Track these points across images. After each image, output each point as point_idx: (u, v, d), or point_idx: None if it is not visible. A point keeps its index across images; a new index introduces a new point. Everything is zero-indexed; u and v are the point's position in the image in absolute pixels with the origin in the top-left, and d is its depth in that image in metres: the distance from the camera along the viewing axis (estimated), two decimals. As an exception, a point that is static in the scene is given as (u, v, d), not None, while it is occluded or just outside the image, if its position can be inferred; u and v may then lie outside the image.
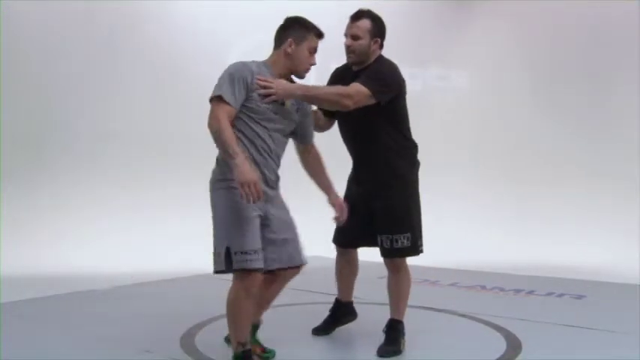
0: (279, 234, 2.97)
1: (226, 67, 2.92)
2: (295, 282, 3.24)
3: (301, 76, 3.03)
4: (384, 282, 3.41)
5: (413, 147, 3.35)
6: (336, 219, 3.21)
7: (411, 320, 3.41)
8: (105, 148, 7.32)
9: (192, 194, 7.40)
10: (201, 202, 7.00)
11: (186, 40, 7.73)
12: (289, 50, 2.94)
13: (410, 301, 3.38)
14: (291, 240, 3.02)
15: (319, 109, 3.31)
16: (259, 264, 2.81)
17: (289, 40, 2.94)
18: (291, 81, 3.02)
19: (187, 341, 3.53)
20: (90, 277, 5.58)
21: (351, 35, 3.20)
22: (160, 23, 7.67)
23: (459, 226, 7.32)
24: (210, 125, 2.86)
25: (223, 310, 4.21)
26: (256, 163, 2.89)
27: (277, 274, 3.05)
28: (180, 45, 7.70)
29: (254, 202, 2.69)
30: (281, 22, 3.02)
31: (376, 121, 3.18)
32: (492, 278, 5.56)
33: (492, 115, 8.40)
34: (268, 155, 2.95)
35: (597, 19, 7.88)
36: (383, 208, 3.24)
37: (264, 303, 3.18)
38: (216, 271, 2.89)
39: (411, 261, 3.37)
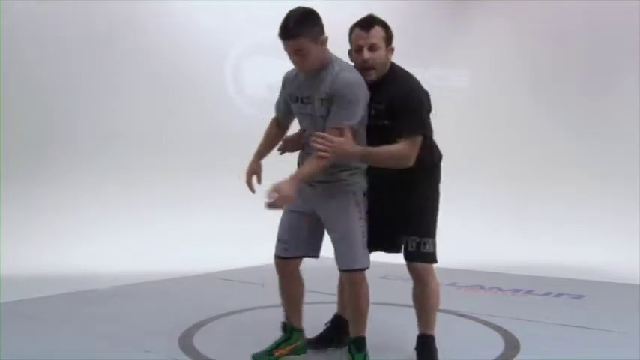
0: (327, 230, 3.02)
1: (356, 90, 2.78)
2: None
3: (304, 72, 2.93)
4: (385, 282, 3.40)
5: (437, 158, 3.11)
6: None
7: (409, 320, 3.41)
8: (104, 148, 7.33)
9: (192, 194, 7.49)
10: (201, 202, 7.07)
11: (186, 40, 7.74)
12: None
13: (408, 301, 3.27)
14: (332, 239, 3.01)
15: None
16: (277, 251, 3.10)
17: None
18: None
19: (186, 341, 3.54)
20: (89, 277, 5.58)
21: (369, 46, 2.84)
22: (159, 23, 7.69)
23: (457, 226, 7.29)
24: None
25: (222, 309, 4.26)
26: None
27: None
28: (179, 45, 7.72)
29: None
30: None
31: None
32: (491, 278, 5.57)
33: (492, 114, 8.40)
34: (305, 153, 3.00)
35: (597, 18, 7.88)
36: (413, 207, 2.98)
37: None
38: None
39: (386, 258, 3.22)
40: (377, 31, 2.86)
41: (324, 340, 3.37)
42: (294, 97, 2.95)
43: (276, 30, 2.76)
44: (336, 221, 2.91)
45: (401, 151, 2.80)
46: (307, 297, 3.20)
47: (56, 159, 7.07)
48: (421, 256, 3.00)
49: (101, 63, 7.35)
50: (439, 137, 3.16)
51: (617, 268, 6.08)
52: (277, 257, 3.12)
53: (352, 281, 2.95)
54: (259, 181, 3.07)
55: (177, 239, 6.69)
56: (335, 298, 3.50)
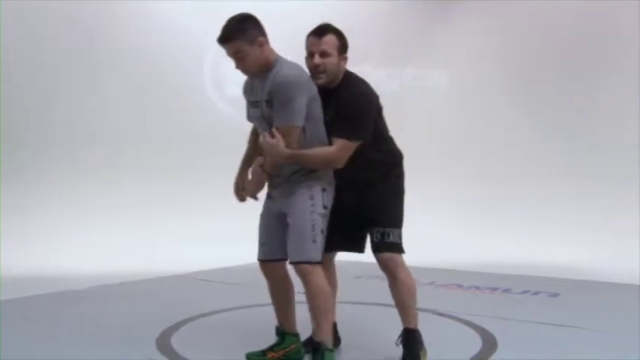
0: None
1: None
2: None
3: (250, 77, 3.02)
4: (361, 282, 3.39)
5: (398, 159, 3.19)
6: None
7: (387, 319, 3.42)
8: (83, 148, 7.27)
9: (171, 194, 7.44)
10: (181, 202, 7.02)
11: (165, 40, 7.71)
12: None
13: (387, 300, 3.27)
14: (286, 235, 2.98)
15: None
16: (258, 255, 3.12)
17: None
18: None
19: (164, 341, 3.51)
20: (68, 278, 5.52)
21: (320, 52, 2.94)
22: (137, 23, 7.63)
23: (436, 225, 7.36)
24: None
25: (201, 310, 4.24)
26: None
27: None
28: (158, 44, 7.68)
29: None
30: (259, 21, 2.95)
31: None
32: (469, 277, 5.60)
33: (471, 115, 8.46)
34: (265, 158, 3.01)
35: (576, 18, 7.96)
36: (374, 201, 3.06)
37: None
38: None
39: (362, 257, 3.22)
40: (329, 39, 2.96)
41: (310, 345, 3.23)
42: (250, 102, 3.04)
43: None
44: (288, 214, 2.92)
45: (332, 153, 2.90)
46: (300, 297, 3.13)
47: (35, 159, 6.98)
48: (386, 246, 3.05)
49: (80, 63, 7.29)
50: (417, 137, 3.18)
51: (592, 267, 6.16)
52: (259, 260, 3.13)
53: (301, 275, 2.91)
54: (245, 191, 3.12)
55: (157, 240, 6.65)
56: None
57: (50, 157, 7.06)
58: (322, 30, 2.98)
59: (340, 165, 2.92)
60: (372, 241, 3.08)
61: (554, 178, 7.81)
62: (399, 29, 8.29)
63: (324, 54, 2.94)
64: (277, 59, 2.91)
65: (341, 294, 3.36)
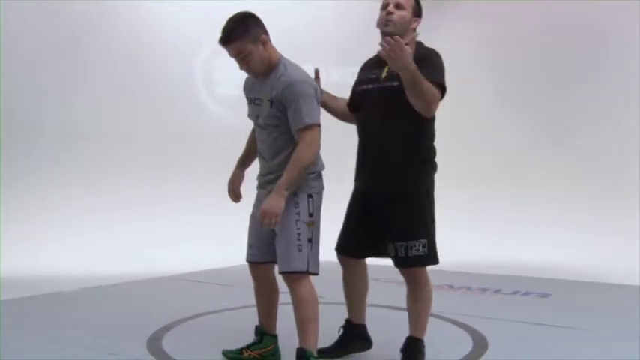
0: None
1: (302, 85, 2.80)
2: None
3: (255, 77, 2.97)
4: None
5: (434, 153, 3.03)
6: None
7: (378, 320, 3.43)
8: (70, 149, 7.21)
9: (159, 195, 7.41)
10: (168, 203, 7.01)
11: (154, 41, 7.68)
12: None
13: (376, 301, 3.30)
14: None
15: (349, 101, 3.13)
16: (246, 256, 3.12)
17: None
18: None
19: (154, 343, 3.50)
20: (56, 279, 5.49)
21: (395, 3, 2.90)
22: (127, 23, 7.60)
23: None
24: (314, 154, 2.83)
25: (193, 311, 4.22)
26: (260, 167, 3.05)
27: None
28: (147, 45, 7.65)
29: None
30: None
31: (408, 117, 2.84)
32: (460, 277, 5.62)
33: (459, 119, 8.47)
34: (262, 156, 3.00)
35: (563, 20, 7.99)
36: (397, 212, 2.92)
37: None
38: None
39: (374, 260, 3.15)
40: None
41: (342, 348, 3.22)
42: (249, 99, 3.01)
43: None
44: (279, 227, 2.85)
45: (435, 90, 2.78)
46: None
47: (20, 160, 6.93)
48: (410, 260, 2.95)
49: (68, 63, 7.23)
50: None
51: (582, 267, 6.20)
52: (247, 261, 3.13)
53: (287, 283, 2.89)
54: (238, 191, 3.16)
55: (144, 241, 6.61)
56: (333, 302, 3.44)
57: (35, 158, 6.98)
58: None
59: (434, 113, 2.83)
60: (395, 256, 2.97)
61: (546, 179, 7.84)
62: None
63: (398, 6, 2.91)
64: (280, 58, 2.89)
65: (339, 294, 3.33)
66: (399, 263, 2.98)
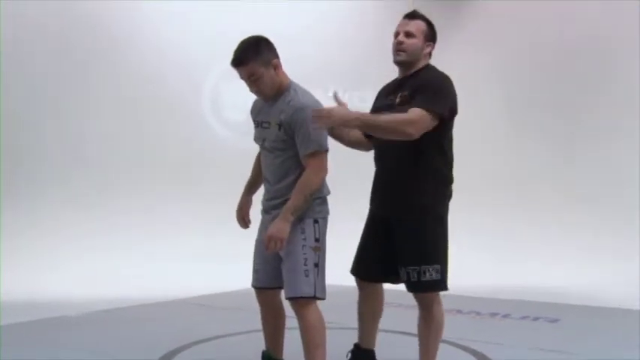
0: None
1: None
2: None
3: (264, 99, 2.98)
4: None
5: (450, 179, 3.05)
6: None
7: (386, 345, 3.38)
8: (74, 172, 7.24)
9: (166, 218, 7.41)
10: (175, 226, 6.99)
11: (158, 64, 7.74)
12: None
13: (385, 326, 3.23)
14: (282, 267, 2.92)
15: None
16: (252, 281, 3.09)
17: None
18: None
19: (161, 368, 3.47)
20: (60, 303, 5.46)
21: (405, 32, 2.98)
22: (135, 45, 7.68)
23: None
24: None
25: (198, 336, 4.19)
26: (265, 191, 3.04)
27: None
28: (152, 68, 7.70)
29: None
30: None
31: (424, 140, 2.83)
32: (469, 302, 5.56)
33: (469, 137, 8.43)
34: (268, 180, 2.98)
35: (573, 39, 7.97)
36: (410, 235, 2.92)
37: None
38: None
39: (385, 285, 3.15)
40: (418, 23, 3.02)
41: None
42: (256, 122, 3.02)
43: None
44: (285, 252, 2.85)
45: (407, 117, 2.80)
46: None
47: (24, 183, 6.97)
48: (423, 286, 2.93)
49: (72, 86, 7.31)
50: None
51: (593, 291, 6.13)
52: (253, 287, 3.11)
53: (294, 309, 2.88)
54: (247, 217, 3.14)
55: (149, 264, 6.60)
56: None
57: (39, 180, 7.01)
58: (413, 14, 3.05)
59: (415, 133, 2.76)
60: (407, 281, 2.96)
61: (556, 201, 7.78)
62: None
63: (408, 34, 2.98)
64: (290, 83, 2.92)
65: (346, 319, 3.30)
66: (411, 288, 2.98)
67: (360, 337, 3.22)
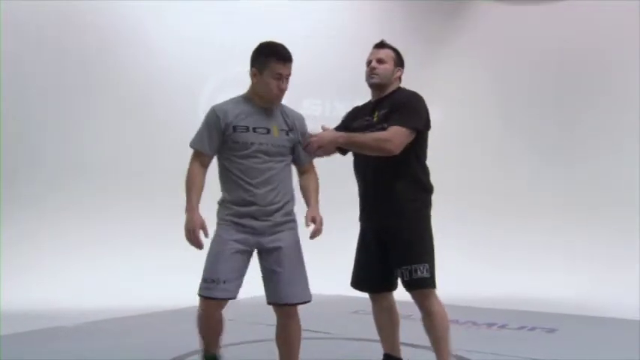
0: (273, 266, 2.97)
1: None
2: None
3: (274, 103, 3.01)
4: (358, 316, 3.36)
5: (430, 186, 3.30)
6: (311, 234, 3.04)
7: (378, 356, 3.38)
8: (71, 182, 7.23)
9: (162, 228, 7.35)
10: (172, 236, 6.90)
11: (157, 73, 7.74)
12: (254, 80, 2.99)
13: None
14: (281, 274, 2.95)
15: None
16: (215, 293, 2.91)
17: (253, 69, 2.98)
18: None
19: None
20: (60, 313, 5.44)
21: (377, 59, 3.28)
22: (130, 54, 7.68)
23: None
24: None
25: (195, 346, 4.17)
26: (248, 198, 2.94)
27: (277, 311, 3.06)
28: (151, 78, 7.71)
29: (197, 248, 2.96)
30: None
31: (402, 151, 3.08)
32: (466, 312, 5.55)
33: (466, 148, 8.49)
34: (262, 186, 2.94)
35: (570, 46, 8.02)
36: (398, 238, 3.14)
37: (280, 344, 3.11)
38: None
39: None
40: (387, 51, 3.32)
41: None
42: (244, 127, 2.96)
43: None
44: (289, 256, 2.96)
45: (384, 135, 3.06)
46: (306, 334, 3.12)
47: (22, 191, 6.95)
48: (415, 283, 3.10)
49: (71, 97, 7.30)
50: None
51: (590, 301, 6.13)
52: (213, 299, 2.93)
53: (295, 314, 3.01)
54: (206, 233, 3.01)
55: (146, 274, 6.57)
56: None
57: (36, 190, 6.98)
58: (381, 44, 3.36)
59: (395, 149, 3.03)
60: (402, 280, 3.14)
61: (554, 211, 7.79)
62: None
63: (380, 61, 3.27)
64: None
65: (337, 329, 3.31)
66: (406, 286, 3.14)
67: (385, 346, 3.37)
